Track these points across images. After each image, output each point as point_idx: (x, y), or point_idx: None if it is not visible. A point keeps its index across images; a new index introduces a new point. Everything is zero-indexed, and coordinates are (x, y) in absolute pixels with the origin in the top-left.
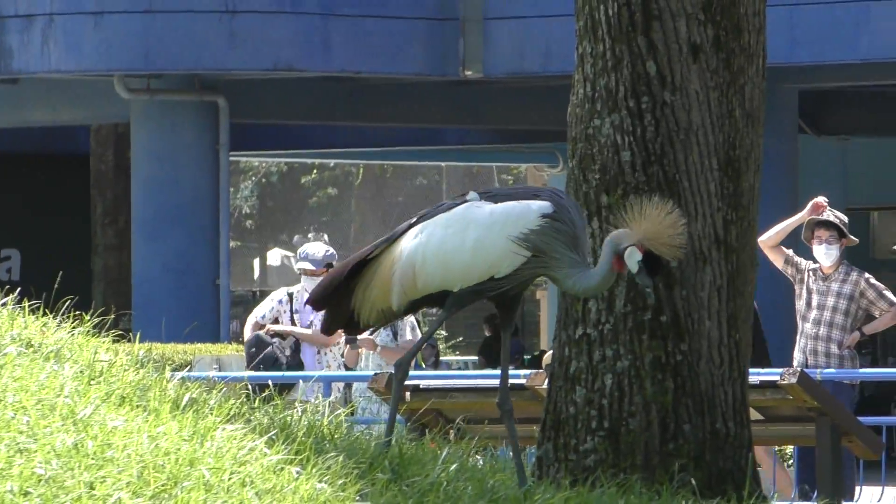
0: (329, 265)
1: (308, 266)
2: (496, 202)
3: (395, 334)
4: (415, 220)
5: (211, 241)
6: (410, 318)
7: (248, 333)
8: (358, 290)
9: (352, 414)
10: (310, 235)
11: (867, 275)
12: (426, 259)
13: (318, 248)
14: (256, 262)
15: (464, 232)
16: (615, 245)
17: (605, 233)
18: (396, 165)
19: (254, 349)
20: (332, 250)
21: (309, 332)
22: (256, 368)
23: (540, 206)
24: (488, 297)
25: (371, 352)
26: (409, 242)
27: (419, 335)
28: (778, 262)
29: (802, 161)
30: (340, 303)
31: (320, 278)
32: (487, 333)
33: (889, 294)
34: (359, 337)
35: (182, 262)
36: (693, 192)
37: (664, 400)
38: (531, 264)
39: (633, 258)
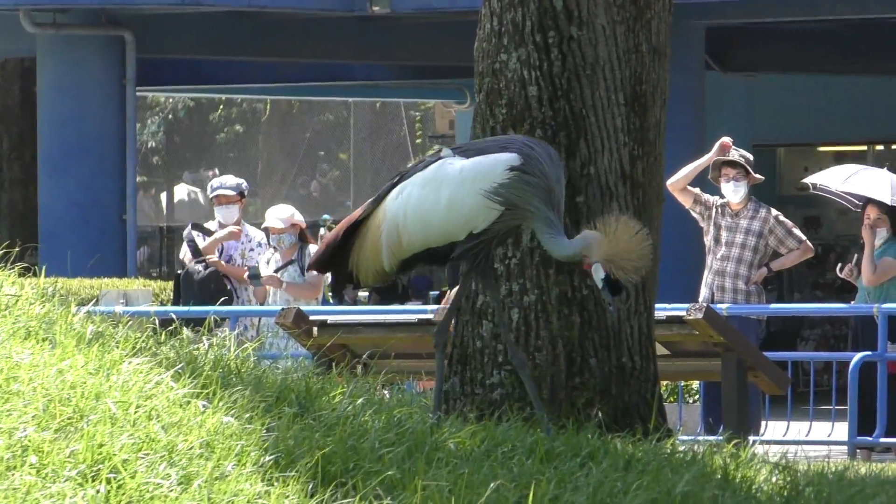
0: (242, 194)
1: (224, 192)
2: (467, 157)
3: (302, 269)
4: (396, 178)
5: (117, 176)
6: None
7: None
8: (353, 252)
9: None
10: (215, 171)
11: (776, 212)
12: (406, 219)
13: (229, 178)
14: (164, 197)
15: (438, 190)
16: (585, 250)
17: None
18: (303, 101)
19: (213, 285)
20: (244, 181)
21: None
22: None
23: (508, 158)
24: (476, 251)
25: (278, 289)
26: (391, 203)
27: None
28: (687, 203)
29: (709, 97)
30: (339, 265)
31: (235, 205)
32: None
33: (797, 232)
34: (263, 274)
35: (88, 198)
36: (599, 127)
37: (570, 334)
38: (506, 217)
39: (597, 273)
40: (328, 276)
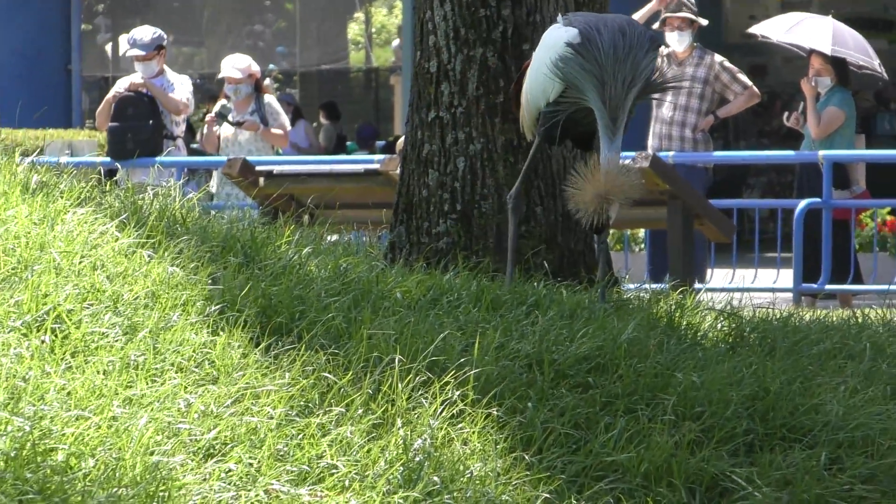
0: (160, 46)
1: (137, 52)
2: (566, 25)
3: (262, 119)
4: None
5: (61, 26)
6: (276, 103)
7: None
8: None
9: (210, 199)
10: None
11: (721, 58)
12: (529, 80)
13: (145, 32)
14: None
15: (538, 57)
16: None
17: (458, 17)
18: None
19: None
20: (159, 31)
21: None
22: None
23: (568, 34)
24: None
25: (235, 136)
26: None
27: (285, 120)
28: None
29: None
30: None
31: (152, 61)
32: (323, 120)
33: (743, 77)
34: (240, 119)
35: (32, 48)
36: None
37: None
38: (570, 95)
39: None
40: (288, 126)
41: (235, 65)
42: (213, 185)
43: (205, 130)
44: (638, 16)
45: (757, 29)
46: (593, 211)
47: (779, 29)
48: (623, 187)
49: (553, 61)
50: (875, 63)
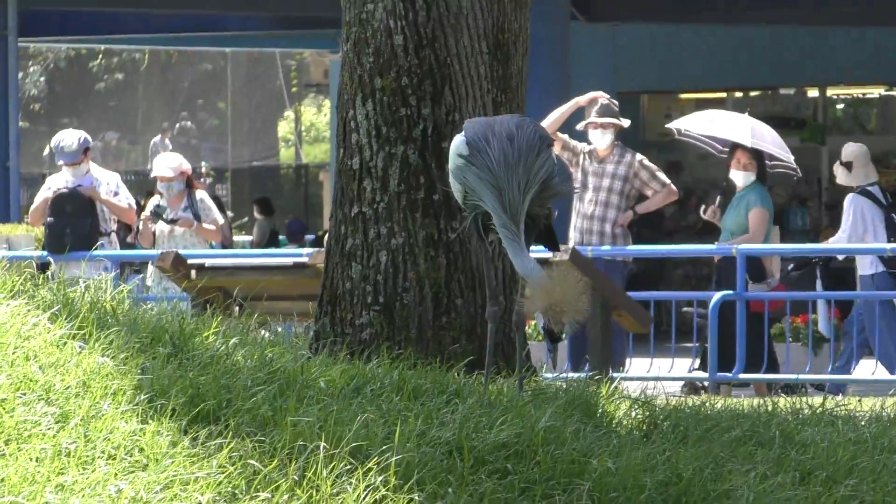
0: (86, 150)
1: (66, 160)
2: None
3: (195, 215)
4: None
5: (0, 124)
6: (208, 199)
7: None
8: None
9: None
10: (103, 136)
11: (640, 156)
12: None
13: (70, 138)
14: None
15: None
16: (530, 290)
17: (379, 116)
18: (181, 51)
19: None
20: (83, 135)
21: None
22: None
23: (458, 142)
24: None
25: (169, 232)
26: None
27: (218, 214)
28: (556, 149)
29: (574, 46)
30: None
31: (81, 165)
32: (257, 215)
33: (661, 175)
34: (174, 216)
35: None
36: (463, 75)
37: (437, 276)
38: (472, 199)
39: (539, 321)
40: (220, 220)
41: (167, 163)
42: (149, 278)
43: (140, 227)
44: (560, 112)
45: (676, 124)
46: (546, 320)
47: (698, 123)
48: (572, 296)
49: (452, 170)
50: (791, 158)
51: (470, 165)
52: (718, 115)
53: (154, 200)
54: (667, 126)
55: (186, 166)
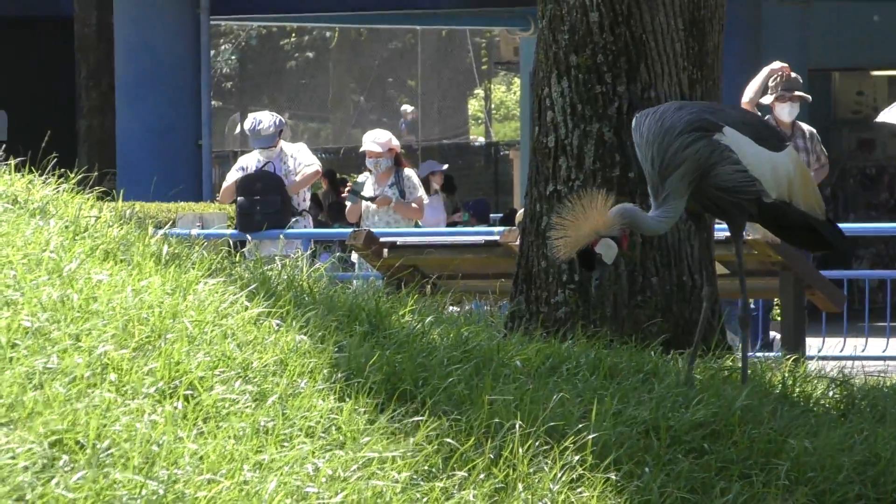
0: (280, 132)
1: (262, 144)
2: None
3: (401, 192)
4: None
5: (192, 102)
6: (415, 177)
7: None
8: None
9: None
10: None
11: (812, 128)
12: None
13: (266, 121)
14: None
15: None
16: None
17: (574, 93)
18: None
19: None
20: (277, 117)
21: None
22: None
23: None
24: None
25: (376, 208)
26: None
27: (423, 193)
28: None
29: (765, 23)
30: None
31: (275, 148)
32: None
33: (825, 151)
34: (372, 195)
35: (164, 124)
36: (659, 52)
37: (632, 254)
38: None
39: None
40: (426, 198)
41: (376, 139)
42: (355, 256)
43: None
44: (759, 82)
45: (880, 117)
46: (575, 246)
47: None
48: (613, 227)
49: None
50: None
51: (633, 132)
52: None
53: (362, 177)
54: (875, 121)
55: (395, 143)
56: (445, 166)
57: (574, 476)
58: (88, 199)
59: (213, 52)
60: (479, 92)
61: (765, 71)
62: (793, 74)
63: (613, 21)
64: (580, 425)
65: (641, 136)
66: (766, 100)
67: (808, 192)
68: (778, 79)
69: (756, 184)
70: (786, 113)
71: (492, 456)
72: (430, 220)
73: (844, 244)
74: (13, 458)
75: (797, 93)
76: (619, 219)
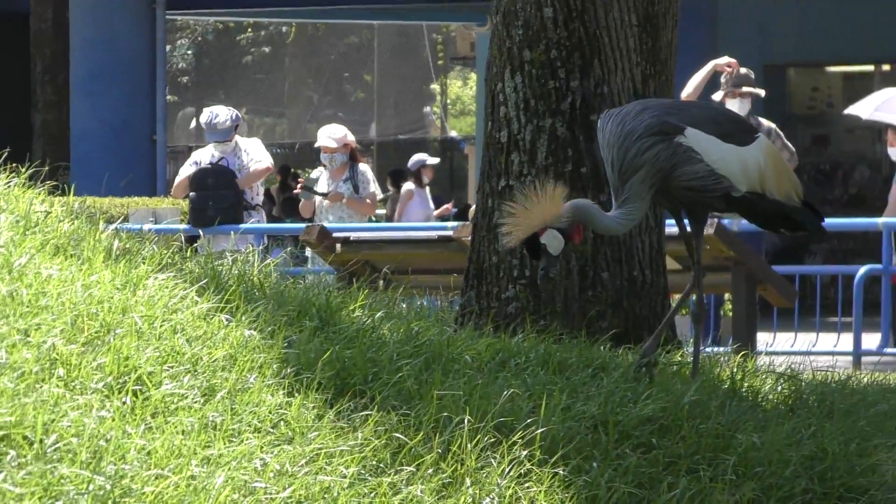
0: (236, 126)
1: (218, 138)
2: None
3: (356, 187)
4: None
5: (147, 97)
6: (369, 173)
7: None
8: None
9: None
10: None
11: (772, 124)
12: None
13: (221, 115)
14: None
15: None
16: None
17: (528, 88)
18: (328, 24)
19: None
20: (234, 112)
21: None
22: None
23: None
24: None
25: (329, 204)
26: None
27: (376, 188)
28: None
29: (722, 18)
30: None
31: (231, 142)
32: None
33: (789, 145)
34: (325, 191)
35: (119, 118)
36: (612, 48)
37: (583, 249)
38: None
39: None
40: (379, 194)
41: (331, 134)
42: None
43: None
44: (697, 79)
45: (850, 109)
46: (523, 235)
47: (867, 108)
48: (562, 220)
49: None
50: None
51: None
52: (890, 95)
53: (317, 172)
54: (844, 112)
55: (350, 138)
56: (436, 160)
57: (522, 471)
58: (40, 194)
59: (168, 48)
60: (436, 87)
61: (708, 66)
62: (742, 70)
63: (567, 16)
64: (529, 420)
65: (604, 137)
66: (717, 96)
67: (781, 181)
68: (728, 75)
69: (723, 181)
70: (735, 108)
71: (440, 451)
72: (418, 214)
73: (819, 229)
74: None
75: (746, 88)
76: (569, 212)
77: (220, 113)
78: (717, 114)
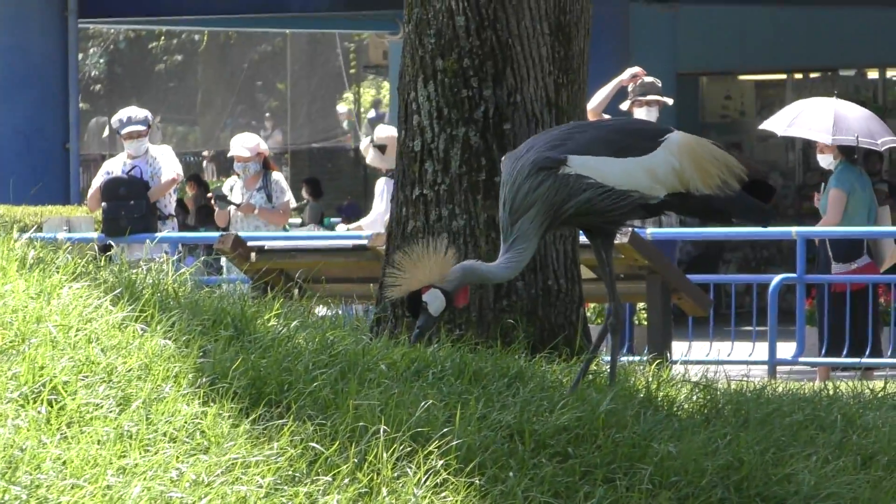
0: (149, 125)
1: (137, 128)
2: None
3: (269, 196)
4: None
5: (60, 105)
6: (283, 182)
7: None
8: None
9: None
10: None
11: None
12: None
13: (136, 111)
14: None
15: None
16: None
17: (441, 97)
18: (241, 33)
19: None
20: (146, 111)
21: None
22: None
23: None
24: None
25: (244, 215)
26: None
27: (290, 198)
28: None
29: (634, 28)
30: None
31: (144, 138)
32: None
33: None
34: (237, 200)
35: (32, 126)
36: (525, 56)
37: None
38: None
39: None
40: (293, 203)
41: (244, 144)
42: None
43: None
44: (603, 94)
45: (764, 125)
46: (405, 290)
47: (781, 123)
48: (448, 282)
49: None
50: (885, 138)
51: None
52: (801, 109)
53: (230, 181)
54: (759, 127)
55: (263, 147)
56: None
57: (438, 480)
58: None
59: (81, 55)
60: (349, 95)
61: (613, 81)
62: (648, 79)
63: (479, 25)
64: (445, 430)
65: (501, 177)
66: (624, 106)
67: (708, 174)
68: (635, 83)
69: (632, 194)
70: (643, 117)
71: (356, 460)
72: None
73: (762, 214)
74: None
75: (652, 97)
76: (457, 275)
77: (134, 112)
78: (612, 131)
